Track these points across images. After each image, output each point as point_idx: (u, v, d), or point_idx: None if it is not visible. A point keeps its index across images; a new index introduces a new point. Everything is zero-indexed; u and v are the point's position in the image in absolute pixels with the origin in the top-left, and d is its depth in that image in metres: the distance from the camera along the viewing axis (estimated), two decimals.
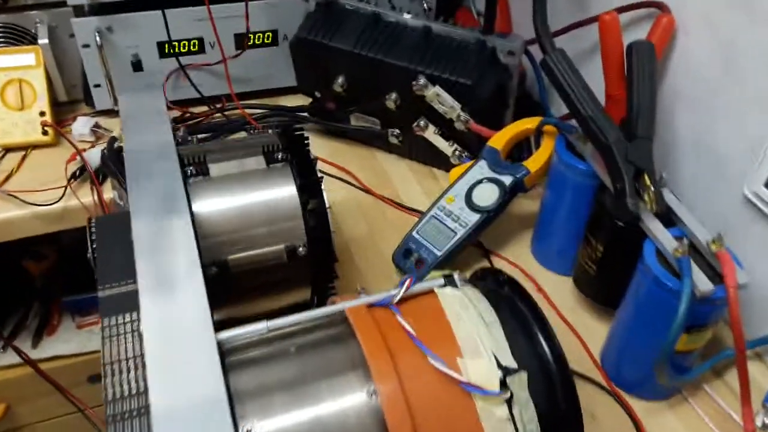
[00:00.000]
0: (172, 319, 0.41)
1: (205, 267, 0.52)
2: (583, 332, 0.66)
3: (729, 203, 0.64)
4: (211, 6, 0.83)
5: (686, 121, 0.69)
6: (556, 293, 0.71)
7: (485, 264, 0.74)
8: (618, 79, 0.69)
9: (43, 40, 0.83)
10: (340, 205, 0.81)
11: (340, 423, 0.39)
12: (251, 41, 0.90)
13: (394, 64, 0.78)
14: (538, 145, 0.74)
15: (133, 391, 0.44)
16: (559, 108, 0.86)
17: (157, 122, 0.57)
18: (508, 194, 0.71)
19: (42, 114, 0.83)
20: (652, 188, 0.59)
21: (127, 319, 0.48)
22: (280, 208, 0.55)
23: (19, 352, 0.86)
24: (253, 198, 0.55)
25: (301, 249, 0.55)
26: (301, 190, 0.56)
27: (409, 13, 0.82)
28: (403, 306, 0.45)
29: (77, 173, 0.79)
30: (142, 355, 0.41)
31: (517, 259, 0.75)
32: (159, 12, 0.82)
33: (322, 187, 0.57)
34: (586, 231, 0.65)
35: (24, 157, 0.83)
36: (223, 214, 0.54)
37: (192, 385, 0.38)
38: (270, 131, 0.62)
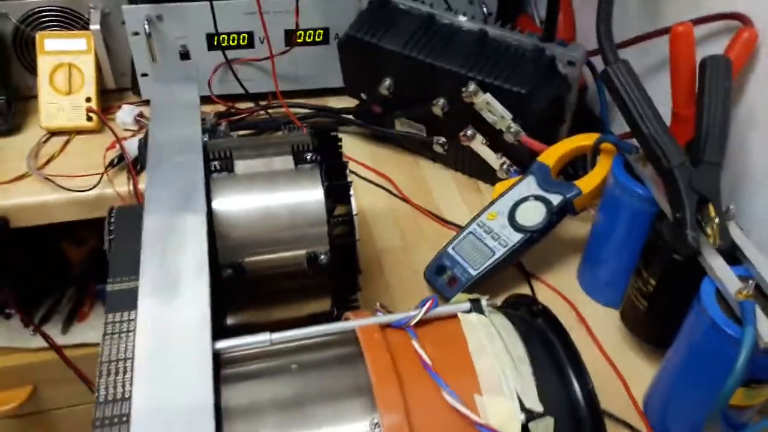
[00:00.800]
0: (169, 322, 0.38)
1: (220, 268, 0.49)
2: (626, 373, 0.60)
3: None
4: (261, 0, 0.81)
5: (762, 148, 0.62)
6: (601, 327, 0.65)
7: (525, 288, 0.69)
8: (687, 97, 0.63)
9: (95, 26, 0.83)
10: (374, 212, 0.77)
11: None
12: (301, 38, 0.88)
13: (444, 68, 0.74)
14: (593, 164, 0.69)
15: (126, 395, 0.41)
16: (621, 126, 0.80)
17: (188, 115, 0.55)
18: (556, 215, 0.66)
19: (88, 100, 0.83)
20: (717, 220, 0.53)
21: (132, 317, 0.46)
22: (304, 212, 0.51)
23: (45, 336, 0.86)
24: (276, 199, 0.52)
25: (323, 257, 0.51)
26: (328, 194, 0.52)
27: (465, 15, 0.78)
28: (421, 330, 0.41)
29: (115, 161, 0.78)
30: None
31: (561, 285, 0.69)
32: (208, 3, 0.80)
33: (351, 192, 0.53)
34: (639, 262, 0.59)
35: (67, 142, 0.83)
36: (244, 213, 0.51)
37: (178, 395, 0.35)
38: (305, 131, 0.59)
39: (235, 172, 0.52)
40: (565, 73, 0.74)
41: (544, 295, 0.68)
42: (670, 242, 0.55)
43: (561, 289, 0.68)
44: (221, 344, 0.39)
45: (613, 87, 0.59)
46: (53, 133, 0.84)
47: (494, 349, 0.39)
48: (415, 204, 0.78)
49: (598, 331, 0.64)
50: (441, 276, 0.66)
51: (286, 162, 0.53)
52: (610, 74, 0.59)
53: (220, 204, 0.50)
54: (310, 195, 0.52)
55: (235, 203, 0.51)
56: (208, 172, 0.51)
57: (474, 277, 0.64)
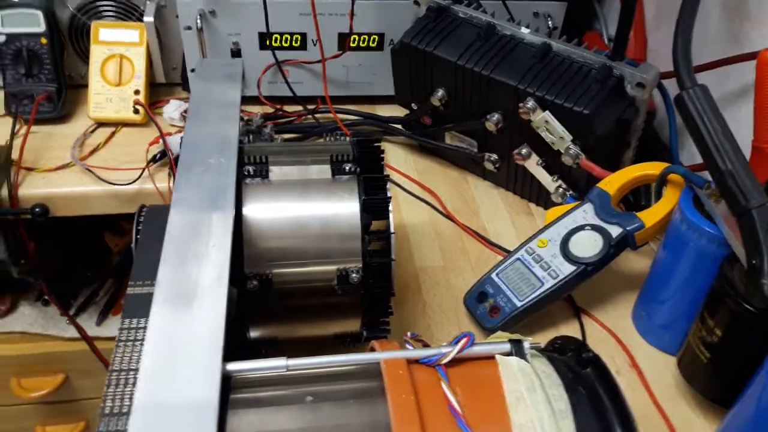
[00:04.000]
0: (179, 337, 0.36)
1: (246, 278, 0.47)
2: (681, 429, 0.54)
3: None
4: (316, 1, 0.78)
5: None
6: (656, 375, 0.59)
7: (574, 325, 0.63)
8: None
9: (149, 18, 0.82)
10: (416, 228, 0.73)
11: None
12: (355, 43, 0.85)
13: (501, 81, 0.69)
14: (658, 196, 0.63)
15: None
16: (691, 157, 0.74)
17: (225, 114, 0.53)
18: (614, 248, 0.60)
19: (137, 92, 0.83)
20: None
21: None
22: (338, 226, 0.48)
23: (78, 327, 0.85)
24: (309, 209, 0.48)
25: (354, 275, 0.48)
26: (364, 208, 0.48)
27: (527, 27, 0.73)
28: (453, 369, 0.37)
29: (158, 157, 0.77)
30: None
31: (614, 325, 0.63)
32: (262, 1, 0.78)
33: (390, 208, 0.50)
34: (703, 307, 0.53)
35: (113, 134, 0.83)
36: (274, 222, 0.48)
37: (180, 418, 0.32)
38: (348, 139, 0.55)
39: (270, 178, 0.49)
40: (634, 95, 0.68)
41: (594, 334, 0.63)
42: (742, 290, 0.49)
43: (614, 329, 0.63)
44: (233, 366, 0.36)
45: (687, 113, 0.54)
46: (100, 124, 0.83)
47: (533, 400, 0.35)
48: (461, 223, 0.74)
49: (652, 380, 0.58)
50: (482, 303, 0.61)
51: (323, 171, 0.50)
52: (685, 99, 0.54)
53: (250, 211, 0.47)
54: (345, 208, 0.48)
55: (266, 211, 0.48)
56: (241, 177, 0.48)
57: (518, 309, 0.60)
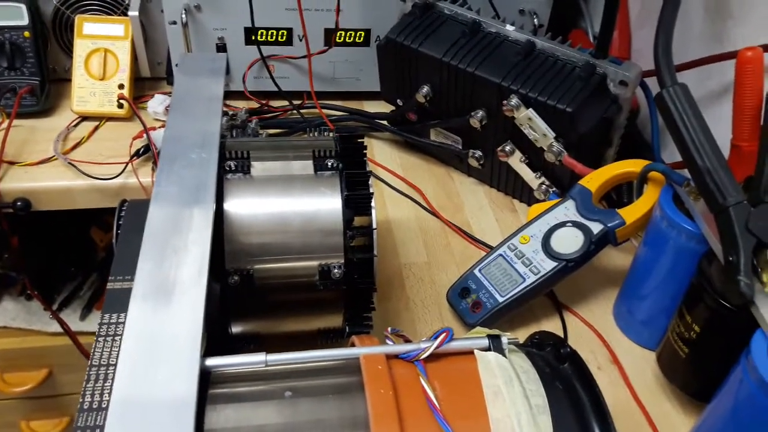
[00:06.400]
0: (158, 332, 0.36)
1: (227, 274, 0.47)
2: (661, 424, 0.55)
3: None
4: None
5: None
6: (636, 370, 0.59)
7: (555, 320, 0.64)
8: (751, 129, 0.58)
9: (134, 13, 0.81)
10: (401, 224, 0.73)
11: None
12: (341, 38, 0.85)
13: (486, 78, 0.70)
14: (639, 193, 0.64)
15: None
16: (673, 155, 0.75)
17: (208, 109, 0.52)
18: (595, 245, 0.61)
19: (121, 86, 0.82)
20: None
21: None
22: (319, 221, 0.48)
23: (61, 322, 0.85)
24: (291, 205, 0.48)
25: (336, 271, 0.48)
26: (346, 204, 0.49)
27: (513, 24, 0.73)
28: (432, 365, 0.37)
29: (141, 151, 0.77)
30: None
31: (595, 320, 0.64)
32: None
33: (373, 204, 0.50)
34: (682, 304, 0.54)
35: (96, 128, 0.82)
36: (255, 217, 0.48)
37: (158, 413, 0.32)
38: (331, 134, 0.55)
39: (251, 173, 0.49)
40: (616, 93, 0.69)
41: (576, 330, 0.63)
42: (719, 287, 0.49)
43: (595, 324, 0.63)
44: (212, 362, 0.36)
45: (667, 112, 0.54)
46: (84, 118, 0.83)
47: (511, 395, 0.35)
48: (445, 219, 0.74)
49: (632, 374, 0.59)
50: (464, 299, 0.62)
51: (305, 167, 0.50)
52: (664, 97, 0.54)
53: (231, 206, 0.47)
54: (327, 203, 0.48)
55: (247, 206, 0.48)
56: (222, 172, 0.48)
57: (500, 304, 0.60)
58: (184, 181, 0.45)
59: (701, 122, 0.53)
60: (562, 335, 0.62)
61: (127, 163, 0.75)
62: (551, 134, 0.68)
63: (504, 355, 0.38)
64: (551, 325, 0.63)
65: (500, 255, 0.63)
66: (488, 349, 0.38)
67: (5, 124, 0.77)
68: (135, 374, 0.34)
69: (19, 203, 0.73)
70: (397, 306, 0.64)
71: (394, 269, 0.68)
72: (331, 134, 0.55)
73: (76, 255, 1.03)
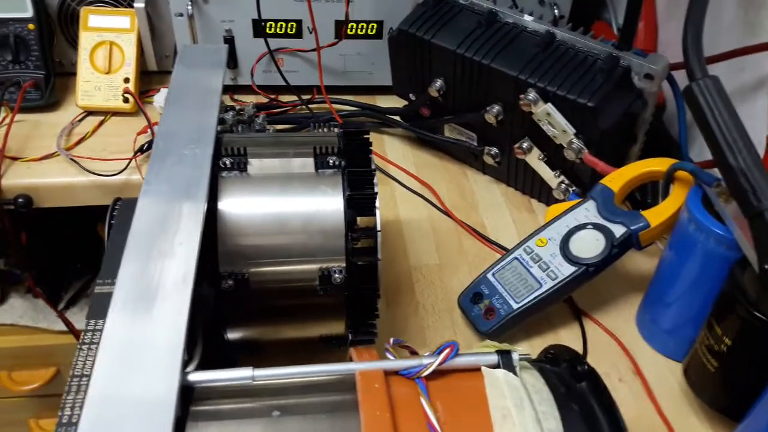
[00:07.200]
0: (137, 343, 0.33)
1: (220, 278, 0.44)
2: None
3: None
4: None
5: None
6: (661, 383, 0.56)
7: (574, 329, 0.60)
8: None
9: (140, 4, 0.79)
10: (412, 224, 0.70)
11: None
12: (352, 30, 0.82)
13: (502, 71, 0.66)
14: (665, 194, 0.60)
15: None
16: (701, 153, 0.71)
17: (205, 102, 0.50)
18: (617, 248, 0.57)
19: (126, 80, 0.80)
20: None
21: None
22: (319, 223, 0.45)
23: (66, 321, 0.83)
24: (289, 205, 0.45)
25: (337, 275, 0.45)
26: (349, 204, 0.46)
27: (531, 15, 0.70)
28: (435, 382, 0.34)
29: (145, 147, 0.74)
30: None
31: (617, 329, 0.60)
32: None
33: (377, 204, 0.47)
34: (711, 314, 0.50)
35: (101, 123, 0.80)
36: (251, 218, 0.45)
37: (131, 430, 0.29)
38: (335, 130, 0.52)
39: (248, 171, 0.46)
40: (641, 87, 0.65)
41: (596, 339, 0.59)
42: (754, 297, 0.45)
43: (616, 333, 0.60)
44: (194, 376, 0.33)
45: (697, 106, 0.50)
46: (89, 113, 0.81)
47: (521, 418, 0.32)
48: (458, 219, 0.71)
49: (656, 386, 0.55)
50: (477, 305, 0.58)
51: (306, 164, 0.47)
52: (694, 90, 0.50)
53: (225, 205, 0.44)
54: (328, 203, 0.45)
55: (243, 206, 0.45)
56: (217, 169, 0.45)
57: (515, 311, 0.57)
58: (175, 178, 0.42)
59: (734, 117, 0.49)
60: (581, 344, 0.59)
61: (131, 160, 0.73)
62: (571, 130, 0.65)
63: (515, 373, 0.35)
64: (570, 334, 0.60)
65: (516, 258, 0.59)
66: (497, 366, 0.35)
67: (9, 119, 0.76)
68: (108, 387, 0.31)
69: (20, 200, 0.72)
70: (406, 311, 0.61)
71: (404, 272, 0.65)
72: (335, 130, 0.52)
73: (83, 253, 1.02)
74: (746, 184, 0.47)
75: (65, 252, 1.00)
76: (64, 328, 0.93)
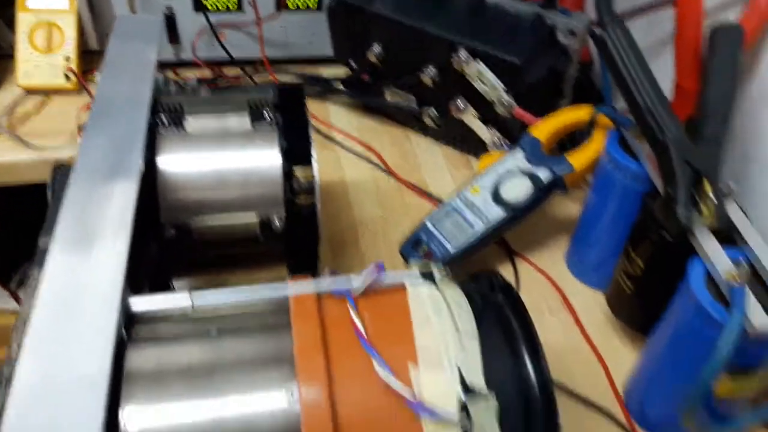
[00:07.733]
0: (78, 280, 0.35)
1: (163, 227, 0.46)
2: (610, 359, 0.56)
3: None
4: None
5: None
6: (587, 311, 0.60)
7: (508, 268, 0.64)
8: (692, 69, 0.57)
9: None
10: (358, 185, 0.73)
11: (244, 425, 0.31)
12: (291, 3, 0.84)
13: (434, 33, 0.69)
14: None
15: None
16: (625, 105, 0.75)
17: (140, 73, 0.51)
18: (543, 192, 0.61)
19: (67, 59, 0.80)
20: (713, 198, 0.47)
21: None
22: (257, 173, 0.48)
23: (18, 300, 0.84)
24: (226, 158, 0.48)
25: (277, 223, 0.48)
26: (286, 155, 0.48)
27: None
28: (364, 300, 0.37)
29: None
30: None
31: (548, 266, 0.64)
32: None
33: (313, 154, 0.49)
34: (627, 243, 0.54)
35: (44, 102, 0.80)
36: (190, 171, 0.47)
37: (73, 357, 0.32)
38: (270, 88, 0.55)
39: (186, 128, 0.48)
40: (566, 44, 0.69)
41: (529, 276, 0.63)
42: (660, 220, 0.50)
43: (548, 271, 0.64)
44: (135, 302, 0.35)
45: (606, 52, 0.54)
46: (30, 92, 0.81)
47: (440, 321, 0.35)
48: (402, 178, 0.74)
49: (584, 316, 0.60)
50: (417, 250, 0.62)
51: (242, 120, 0.49)
52: (603, 38, 0.54)
53: (164, 161, 0.46)
54: (265, 155, 0.48)
55: (181, 161, 0.47)
56: (154, 126, 0.47)
57: (451, 254, 0.60)
58: (112, 132, 0.44)
59: (641, 61, 0.53)
60: (514, 282, 0.63)
61: (78, 135, 0.74)
62: (501, 87, 0.68)
63: (436, 287, 0.38)
64: (504, 273, 0.63)
65: (451, 206, 0.63)
66: (420, 282, 0.38)
67: None
68: (51, 316, 0.33)
69: None
70: (351, 263, 0.64)
71: (349, 226, 0.68)
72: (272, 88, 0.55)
73: (32, 232, 1.01)
74: (652, 120, 0.51)
75: (14, 231, 1.00)
76: (17, 307, 0.94)
